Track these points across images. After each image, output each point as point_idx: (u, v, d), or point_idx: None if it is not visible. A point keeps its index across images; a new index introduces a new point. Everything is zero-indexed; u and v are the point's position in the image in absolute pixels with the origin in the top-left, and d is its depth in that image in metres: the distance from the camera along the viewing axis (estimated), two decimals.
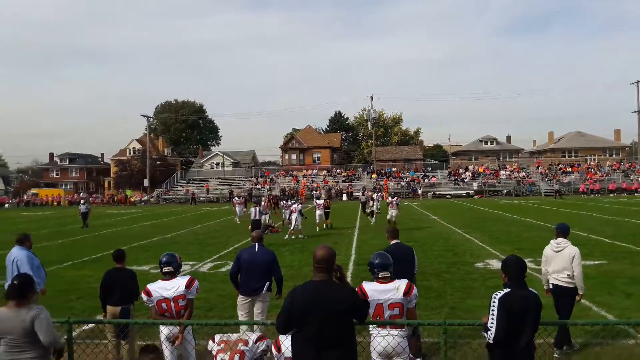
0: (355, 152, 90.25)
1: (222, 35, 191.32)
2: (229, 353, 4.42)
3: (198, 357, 5.70)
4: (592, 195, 52.05)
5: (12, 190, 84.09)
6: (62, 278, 12.59)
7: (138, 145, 78.77)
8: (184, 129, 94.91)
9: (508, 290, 4.12)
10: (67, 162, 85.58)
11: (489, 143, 76.02)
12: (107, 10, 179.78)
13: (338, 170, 69.00)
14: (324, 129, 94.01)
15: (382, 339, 4.70)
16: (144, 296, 5.61)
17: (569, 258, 6.75)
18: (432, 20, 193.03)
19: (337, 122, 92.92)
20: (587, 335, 7.35)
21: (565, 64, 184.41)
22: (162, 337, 5.49)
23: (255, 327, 6.13)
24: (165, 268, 5.72)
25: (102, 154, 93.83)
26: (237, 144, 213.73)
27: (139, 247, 18.69)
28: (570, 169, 62.23)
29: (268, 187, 60.90)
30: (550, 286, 7.00)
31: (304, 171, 68.91)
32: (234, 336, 4.59)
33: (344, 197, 56.65)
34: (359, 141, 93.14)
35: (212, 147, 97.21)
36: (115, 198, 64.49)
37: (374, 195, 30.70)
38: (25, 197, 67.60)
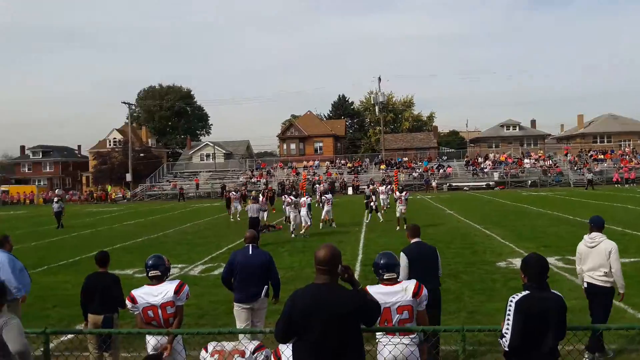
0: (362, 141, 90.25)
1: (211, 14, 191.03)
2: None
3: None
4: (626, 185, 51.92)
5: None
6: (37, 284, 12.62)
7: (119, 136, 78.84)
8: (170, 117, 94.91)
9: (526, 292, 4.13)
10: (41, 156, 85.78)
11: (511, 128, 75.85)
12: None
13: (342, 161, 68.98)
14: (326, 115, 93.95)
15: (392, 346, 4.72)
16: (128, 303, 5.64)
17: (605, 254, 6.75)
18: None
19: (341, 107, 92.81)
20: (622, 340, 7.36)
21: (595, 39, 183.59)
22: (149, 348, 5.51)
23: (252, 335, 6.16)
24: (152, 272, 5.74)
25: (79, 146, 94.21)
26: (229, 133, 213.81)
27: (122, 249, 18.75)
28: (602, 156, 62.09)
29: (265, 180, 60.94)
30: (585, 285, 7.02)
31: (305, 162, 68.91)
32: (229, 346, 4.61)
33: (350, 190, 56.68)
34: (365, 128, 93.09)
35: (201, 137, 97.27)
36: (95, 195, 64.63)
37: (383, 189, 30.77)
38: None
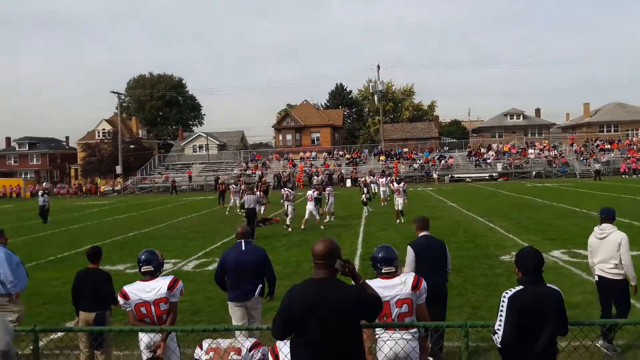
0: (360, 131, 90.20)
1: None
2: None
3: None
4: (634, 176, 52.07)
5: None
6: None
7: (108, 127, 78.68)
8: (161, 107, 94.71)
9: (520, 287, 4.14)
10: (27, 148, 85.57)
11: (514, 117, 75.91)
12: None
13: (340, 152, 68.99)
14: (323, 104, 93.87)
15: (393, 343, 4.75)
16: (120, 299, 5.64)
17: (615, 245, 6.77)
18: None
19: (339, 97, 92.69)
20: (630, 336, 7.40)
21: (602, 26, 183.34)
22: (142, 346, 5.52)
23: (249, 332, 6.17)
24: (145, 267, 5.74)
25: (67, 138, 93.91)
26: (222, 123, 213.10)
27: (113, 244, 18.76)
28: (609, 146, 62.17)
29: (260, 172, 60.93)
30: (596, 278, 7.05)
31: (301, 153, 68.88)
32: (224, 343, 4.62)
33: (348, 182, 56.71)
34: (364, 118, 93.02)
35: (194, 128, 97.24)
36: (84, 188, 64.53)
37: (383, 180, 30.90)
38: None
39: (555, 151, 62.45)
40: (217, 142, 77.30)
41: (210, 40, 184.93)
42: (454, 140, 76.96)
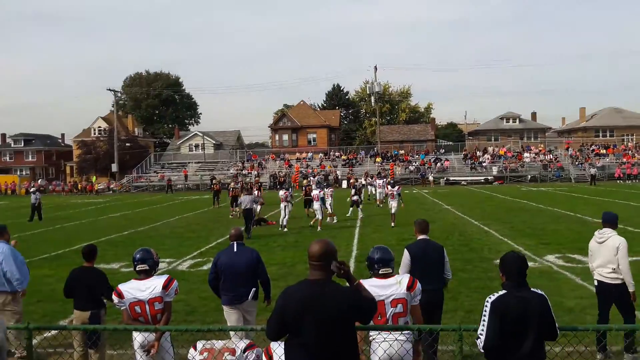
0: (357, 132, 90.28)
1: None
2: None
3: None
4: (629, 181, 52.27)
5: None
6: None
7: (104, 124, 78.44)
8: (158, 105, 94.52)
9: (503, 292, 4.14)
10: (22, 144, 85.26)
11: (510, 121, 76.08)
12: None
13: (337, 153, 69.03)
14: (320, 105, 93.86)
15: (387, 344, 4.75)
16: (115, 298, 5.63)
17: (613, 249, 6.79)
18: None
19: (336, 97, 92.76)
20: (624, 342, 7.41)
21: (599, 29, 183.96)
22: (136, 345, 5.52)
23: (244, 333, 6.17)
24: (140, 266, 5.74)
25: (63, 135, 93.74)
26: (219, 122, 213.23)
27: (107, 242, 18.73)
28: (604, 151, 62.41)
29: (256, 172, 60.88)
30: (595, 283, 7.07)
31: (297, 154, 68.90)
32: (218, 344, 4.62)
33: (344, 184, 56.72)
34: (360, 119, 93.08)
35: (190, 127, 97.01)
36: (79, 186, 64.37)
37: (380, 182, 31.01)
38: None
39: (551, 155, 62.63)
40: (213, 142, 77.19)
41: (207, 39, 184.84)
42: (450, 142, 77.11)
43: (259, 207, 23.89)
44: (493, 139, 73.88)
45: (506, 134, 74.13)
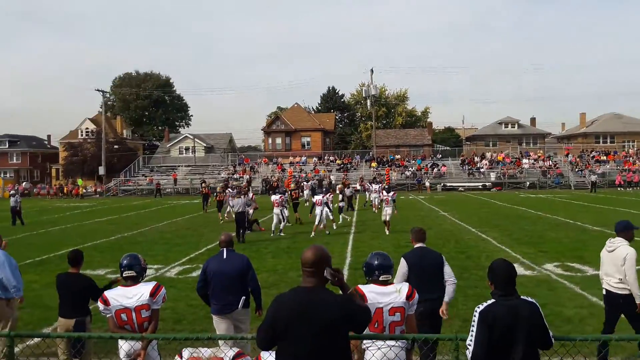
0: (352, 136, 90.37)
1: None
2: None
3: None
4: (629, 189, 52.48)
5: None
6: None
7: (92, 126, 78.26)
8: (147, 106, 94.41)
9: (492, 301, 4.15)
10: (7, 146, 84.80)
11: (509, 126, 76.33)
12: None
13: (331, 158, 69.06)
14: (314, 108, 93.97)
15: (378, 350, 4.76)
16: (100, 305, 5.60)
17: (620, 259, 6.82)
18: None
19: (331, 100, 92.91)
20: (624, 353, 7.43)
21: (600, 34, 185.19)
22: (122, 354, 5.49)
23: (233, 342, 6.14)
24: (126, 272, 5.71)
25: (49, 136, 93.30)
26: (210, 125, 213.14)
27: (93, 248, 18.64)
28: (605, 157, 62.68)
29: (248, 176, 60.82)
30: (603, 292, 7.10)
31: (291, 158, 68.93)
32: (206, 352, 4.60)
33: (347, 191, 56.71)
34: (356, 123, 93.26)
35: (180, 129, 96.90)
36: (65, 189, 64.10)
37: (376, 187, 31.13)
38: None
39: (550, 161, 62.87)
40: (204, 145, 77.12)
41: (199, 40, 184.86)
42: (447, 148, 77.26)
43: (251, 211, 23.86)
44: (491, 145, 74.12)
45: (504, 139, 74.38)
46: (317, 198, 21.52)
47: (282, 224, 21.20)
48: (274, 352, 3.94)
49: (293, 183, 42.84)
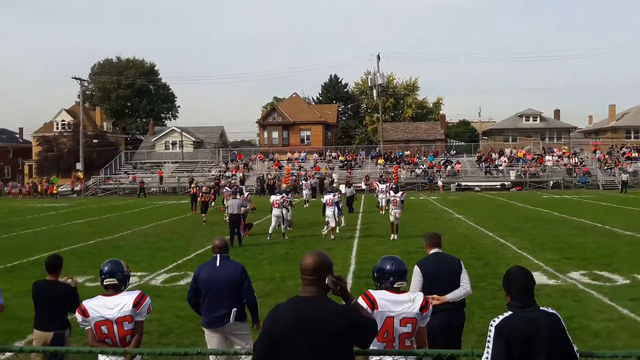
0: (357, 130, 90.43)
1: None
2: None
3: None
4: None
5: None
6: None
7: (69, 118, 78.29)
8: (130, 96, 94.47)
9: (509, 313, 4.14)
10: None
11: (530, 119, 76.33)
12: None
13: (334, 154, 69.06)
14: (315, 98, 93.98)
15: None
16: (78, 316, 5.59)
17: None
18: None
19: (333, 90, 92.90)
20: None
21: (632, 17, 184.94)
22: None
23: (225, 358, 6.14)
24: (108, 280, 5.71)
25: (21, 129, 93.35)
26: (200, 117, 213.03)
27: (70, 253, 18.64)
28: (636, 154, 62.61)
29: (241, 174, 60.88)
30: None
31: (289, 154, 68.91)
32: None
33: (342, 188, 56.67)
34: (361, 115, 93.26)
35: (166, 122, 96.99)
36: (39, 187, 64.14)
37: (383, 187, 31.11)
38: None
39: (576, 158, 62.82)
40: (193, 139, 77.14)
41: (187, 22, 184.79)
42: (462, 143, 77.35)
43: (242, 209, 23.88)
44: (510, 140, 74.07)
45: (525, 133, 74.33)
46: (328, 198, 21.49)
47: (282, 225, 21.19)
48: None
49: (285, 184, 42.98)
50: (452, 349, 6.52)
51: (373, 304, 4.87)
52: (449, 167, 61.47)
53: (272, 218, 21.37)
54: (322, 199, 24.57)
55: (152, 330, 9.24)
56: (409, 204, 25.38)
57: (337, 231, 22.18)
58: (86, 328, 5.61)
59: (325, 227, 21.40)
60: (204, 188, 32.28)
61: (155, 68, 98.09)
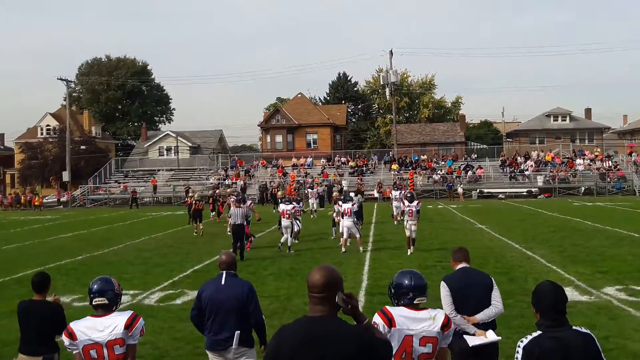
0: (368, 132, 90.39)
1: None
2: None
3: None
4: None
5: None
6: None
7: (54, 122, 78.70)
8: (121, 98, 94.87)
9: (538, 333, 4.13)
10: None
11: (559, 119, 76.21)
12: None
13: (343, 159, 69.07)
14: (322, 98, 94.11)
15: None
16: (65, 339, 5.60)
17: None
18: None
19: (342, 89, 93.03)
20: None
21: None
22: None
23: None
24: (97, 299, 5.71)
25: (2, 135, 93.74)
26: (196, 121, 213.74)
27: (56, 270, 18.68)
28: None
29: (242, 182, 60.92)
30: None
31: (294, 159, 68.95)
32: None
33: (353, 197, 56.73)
34: (372, 116, 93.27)
35: (160, 126, 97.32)
36: (22, 199, 64.46)
37: (397, 194, 31.10)
38: None
39: (610, 162, 62.57)
40: (190, 144, 77.34)
41: (183, 18, 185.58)
42: (484, 146, 77.13)
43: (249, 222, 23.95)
44: (537, 142, 73.96)
45: (554, 135, 74.18)
46: (346, 207, 21.44)
47: (288, 237, 21.16)
48: None
49: (280, 190, 43.10)
50: None
51: (390, 321, 4.85)
52: (469, 173, 61.33)
53: (282, 230, 21.48)
54: (336, 208, 24.47)
55: (145, 354, 9.24)
56: (426, 213, 25.32)
57: (360, 247, 22.03)
58: (74, 352, 5.61)
59: (342, 239, 21.32)
60: (195, 195, 32.31)
61: (148, 68, 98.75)
